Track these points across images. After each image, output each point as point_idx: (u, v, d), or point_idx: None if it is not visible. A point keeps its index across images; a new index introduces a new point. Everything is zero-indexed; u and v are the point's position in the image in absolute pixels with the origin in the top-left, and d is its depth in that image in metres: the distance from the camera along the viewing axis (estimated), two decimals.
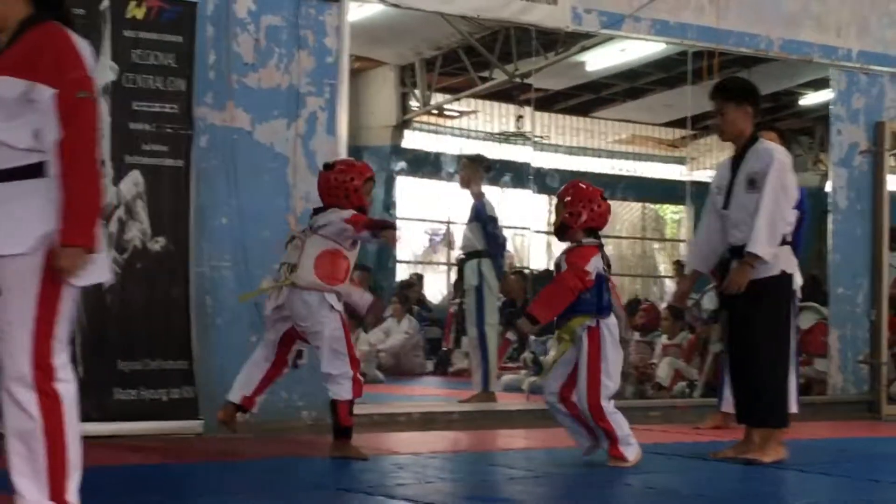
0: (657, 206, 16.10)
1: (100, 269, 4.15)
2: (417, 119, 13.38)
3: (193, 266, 7.72)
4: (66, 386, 4.05)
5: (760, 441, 6.88)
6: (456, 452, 7.71)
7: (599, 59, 11.94)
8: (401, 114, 13.19)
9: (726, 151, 7.48)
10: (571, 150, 14.26)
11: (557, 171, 14.07)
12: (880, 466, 7.34)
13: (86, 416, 6.71)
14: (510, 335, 12.43)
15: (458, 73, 12.76)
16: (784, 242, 6.88)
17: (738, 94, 7.13)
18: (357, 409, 8.27)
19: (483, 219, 10.24)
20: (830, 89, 10.64)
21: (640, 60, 11.83)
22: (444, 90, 13.16)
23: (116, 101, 7.40)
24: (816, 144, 11.05)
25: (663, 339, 11.54)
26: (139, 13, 7.48)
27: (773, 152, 6.91)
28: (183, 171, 7.66)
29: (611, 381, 6.65)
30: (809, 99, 11.97)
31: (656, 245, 15.58)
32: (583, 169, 14.29)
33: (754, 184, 6.83)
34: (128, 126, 7.43)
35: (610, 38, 10.41)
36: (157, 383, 7.47)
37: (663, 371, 10.94)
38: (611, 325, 6.70)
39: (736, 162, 7.03)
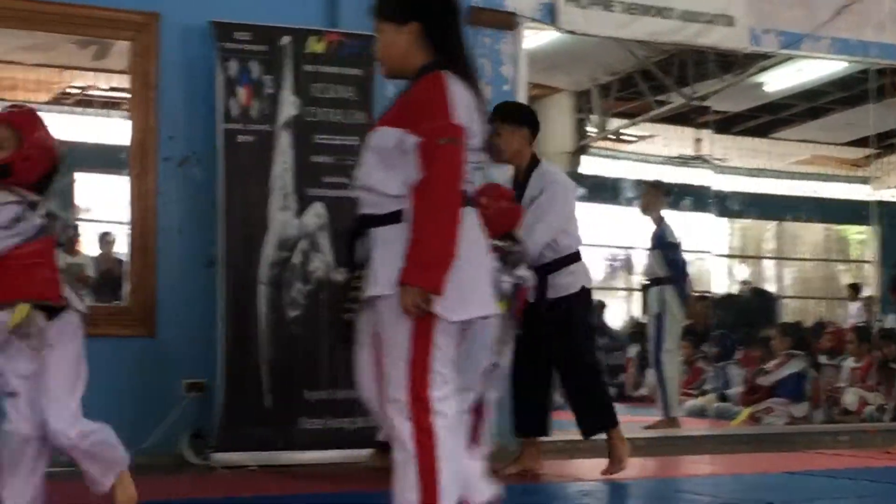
0: (840, 226, 15.72)
1: (479, 304, 4.16)
2: (594, 145, 13.36)
3: None
4: (443, 420, 4.07)
5: None
6: (641, 479, 7.46)
7: (778, 80, 11.78)
8: (577, 140, 13.20)
9: None
10: (752, 173, 14.14)
11: (738, 193, 14.06)
12: None
13: (272, 445, 6.68)
14: (702, 364, 12.33)
15: (635, 97, 12.74)
16: None
17: None
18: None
19: (664, 245, 10.17)
20: None
21: (819, 80, 11.64)
22: (620, 115, 13.19)
23: (298, 134, 7.46)
24: None
25: (850, 362, 11.24)
26: (319, 48, 7.55)
27: None
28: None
29: None
30: None
31: (841, 267, 15.26)
32: (763, 191, 14.29)
33: None
34: (310, 159, 7.48)
35: (789, 59, 10.27)
36: (342, 412, 7.45)
37: (849, 398, 10.73)
38: None
39: None
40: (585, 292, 6.97)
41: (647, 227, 10.46)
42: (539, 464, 7.09)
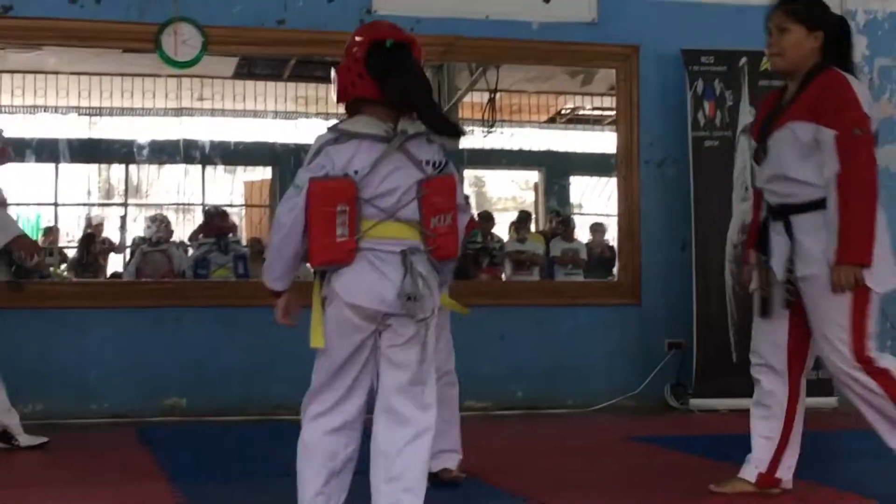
0: None
1: (889, 277, 4.08)
2: None
3: None
4: (892, 361, 4.08)
5: None
6: None
7: None
8: None
9: None
10: None
11: None
12: None
13: (739, 393, 6.47)
14: None
15: None
16: None
17: None
18: None
19: None
20: None
21: None
22: None
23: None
24: None
25: None
26: (769, 65, 7.73)
27: None
28: None
29: None
30: None
31: None
32: None
33: None
34: None
35: None
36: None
37: None
38: None
39: None
40: None
41: None
42: None
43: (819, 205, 4.03)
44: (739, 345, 7.43)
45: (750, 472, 4.37)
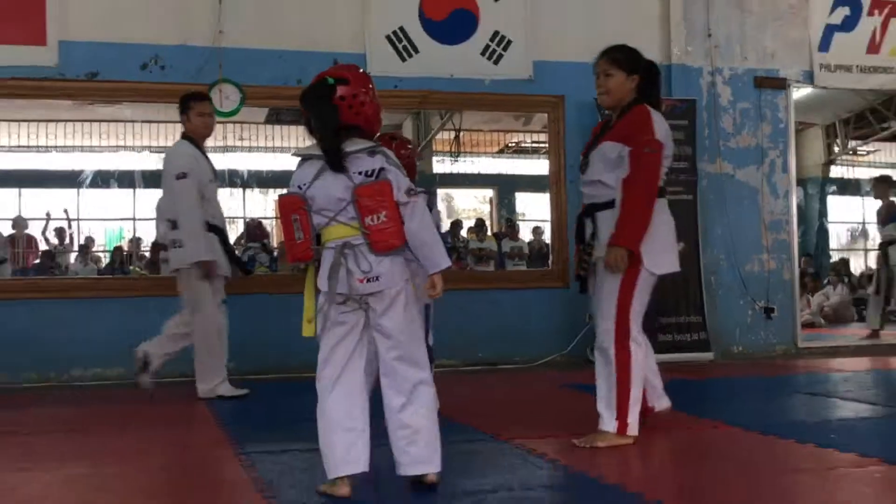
0: None
1: (668, 263, 3.93)
2: (839, 158, 12.94)
3: (701, 258, 7.79)
4: (637, 345, 3.84)
5: None
6: (884, 370, 7.19)
7: None
8: (827, 156, 12.84)
9: None
10: None
11: None
12: None
13: None
14: None
15: (865, 125, 12.25)
16: None
17: None
18: (810, 343, 8.29)
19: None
20: None
21: None
22: (856, 138, 12.70)
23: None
24: None
25: None
26: (662, 107, 7.77)
27: None
28: (692, 202, 7.76)
29: None
30: None
31: None
32: None
33: None
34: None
35: None
36: (683, 330, 7.62)
37: None
38: None
39: None
40: None
41: (875, 207, 9.86)
42: None
43: (615, 204, 3.87)
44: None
45: (609, 423, 3.90)
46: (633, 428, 3.87)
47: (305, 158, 3.15)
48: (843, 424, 4.62)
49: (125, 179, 9.65)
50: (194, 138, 5.59)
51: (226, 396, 5.52)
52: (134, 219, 9.91)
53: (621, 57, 4.02)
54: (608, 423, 3.88)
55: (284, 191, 3.16)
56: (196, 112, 5.51)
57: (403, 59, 7.49)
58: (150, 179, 9.79)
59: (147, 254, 9.57)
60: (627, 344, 3.84)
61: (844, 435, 4.22)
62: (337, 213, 3.07)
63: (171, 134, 9.17)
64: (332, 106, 3.12)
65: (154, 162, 9.71)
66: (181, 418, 5.09)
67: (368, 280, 3.03)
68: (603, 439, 3.88)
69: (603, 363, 3.89)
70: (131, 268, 9.22)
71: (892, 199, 9.75)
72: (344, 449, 3.05)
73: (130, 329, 6.47)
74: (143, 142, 9.44)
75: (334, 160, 3.06)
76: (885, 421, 4.71)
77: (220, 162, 9.49)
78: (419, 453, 3.10)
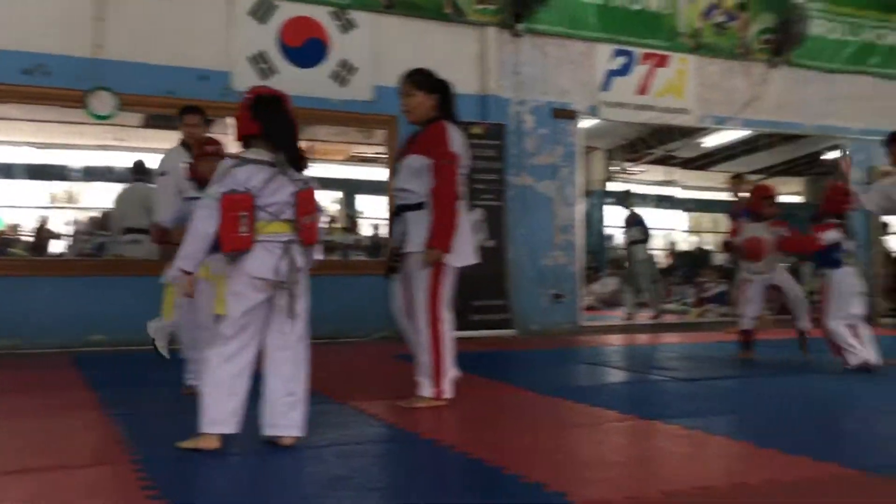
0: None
1: (467, 256, 3.91)
2: (615, 175, 13.32)
3: (507, 254, 7.94)
4: (447, 326, 3.83)
5: None
6: (642, 345, 7.23)
7: (712, 140, 11.58)
8: (607, 173, 13.20)
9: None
10: (696, 188, 13.87)
11: (688, 199, 13.92)
12: None
13: (458, 328, 7.03)
14: (674, 287, 11.93)
15: (636, 150, 12.66)
16: None
17: None
18: (589, 323, 8.38)
19: (641, 223, 9.78)
20: (838, 150, 10.05)
21: (734, 139, 11.35)
22: (628, 160, 13.08)
23: (469, 175, 7.47)
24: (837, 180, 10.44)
25: None
26: (479, 130, 7.80)
27: None
28: (501, 208, 7.92)
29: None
30: (827, 155, 11.01)
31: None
32: (702, 198, 13.98)
33: None
34: (475, 186, 7.61)
35: (718, 129, 10.01)
36: (492, 311, 7.72)
37: None
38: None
39: None
40: None
41: (622, 215, 10.11)
42: None
43: (420, 206, 3.83)
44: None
45: (427, 390, 3.89)
46: (446, 392, 3.89)
47: (246, 163, 3.05)
48: (610, 388, 4.81)
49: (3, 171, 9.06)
50: (189, 144, 5.21)
51: (156, 347, 5.13)
52: (16, 206, 9.28)
53: (421, 79, 3.95)
54: (426, 390, 3.88)
55: (220, 189, 3.01)
56: (184, 123, 5.22)
57: (265, 78, 7.29)
58: (31, 171, 9.29)
59: (28, 238, 8.98)
60: (439, 324, 3.82)
61: (610, 396, 4.40)
62: (280, 213, 3.05)
63: (55, 131, 8.65)
64: (294, 118, 3.13)
65: (36, 156, 9.21)
66: (55, 384, 4.82)
67: (295, 270, 3.06)
68: (421, 402, 3.88)
69: (421, 340, 3.86)
70: (11, 250, 8.60)
71: (633, 209, 10.07)
72: (229, 411, 3.01)
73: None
74: (25, 138, 8.81)
75: (296, 166, 3.08)
76: (639, 385, 4.93)
77: (99, 159, 9.12)
78: (297, 418, 3.09)
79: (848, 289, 5.33)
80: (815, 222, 5.57)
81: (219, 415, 3.00)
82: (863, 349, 5.26)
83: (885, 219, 10.48)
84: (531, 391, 4.43)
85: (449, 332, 3.85)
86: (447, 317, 3.85)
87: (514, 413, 3.89)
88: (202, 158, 4.18)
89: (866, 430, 3.60)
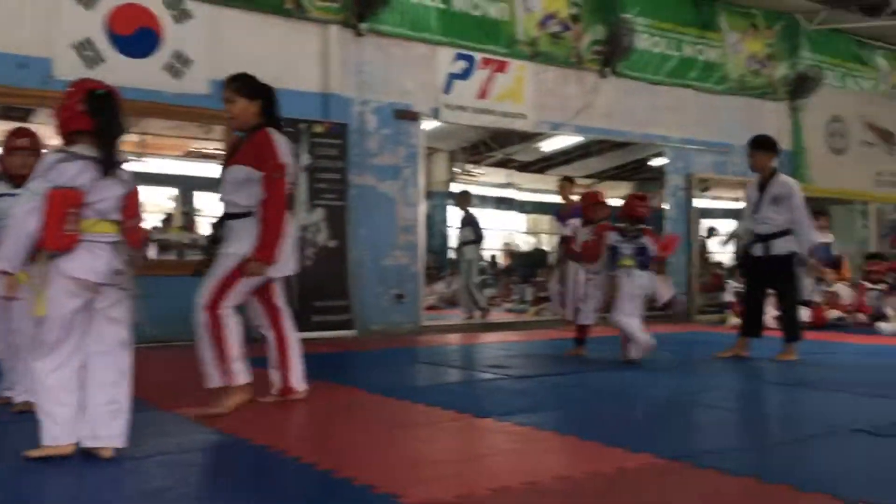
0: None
1: (287, 266, 3.92)
2: (458, 177, 13.42)
3: (349, 254, 7.89)
4: (232, 321, 3.81)
5: None
6: (480, 343, 7.46)
7: (549, 144, 11.89)
8: (449, 175, 13.39)
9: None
10: (534, 191, 14.25)
11: (527, 202, 14.37)
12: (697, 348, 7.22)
13: (299, 329, 6.77)
14: (512, 286, 12.33)
15: (478, 153, 12.94)
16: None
17: (764, 145, 6.08)
18: (430, 323, 8.50)
19: (473, 223, 9.96)
20: (665, 157, 10.58)
21: (569, 144, 11.76)
22: (470, 162, 13.27)
23: (311, 174, 7.61)
24: (659, 186, 11.00)
25: None
26: (319, 129, 7.73)
27: (792, 182, 6.09)
28: (344, 207, 7.86)
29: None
30: (654, 162, 11.65)
31: None
32: (541, 200, 14.27)
33: (778, 200, 5.97)
34: (315, 186, 7.66)
35: (554, 135, 10.37)
36: (333, 311, 7.66)
37: None
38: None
39: (762, 186, 6.07)
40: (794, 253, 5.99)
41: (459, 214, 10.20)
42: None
43: (244, 216, 3.79)
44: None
45: (274, 388, 4.02)
46: (238, 378, 3.83)
47: (74, 158, 2.92)
48: (447, 387, 4.88)
49: None
50: None
51: None
52: None
53: (241, 84, 3.89)
54: (215, 381, 3.83)
55: (43, 184, 2.86)
56: None
57: (90, 67, 6.85)
58: None
59: None
60: (219, 310, 3.80)
61: (446, 395, 4.44)
62: (107, 213, 2.97)
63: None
64: (124, 116, 3.06)
65: None
66: None
67: (119, 272, 2.98)
68: (224, 399, 3.81)
69: (202, 331, 3.81)
70: None
71: (468, 209, 10.16)
72: (66, 419, 2.92)
73: None
74: None
75: (118, 164, 3.00)
76: (474, 383, 5.04)
77: None
78: (119, 428, 2.98)
79: (630, 289, 5.73)
80: (591, 224, 6.27)
81: (56, 426, 2.92)
82: (643, 340, 5.68)
83: (713, 224, 11.30)
84: (368, 392, 4.43)
85: (231, 321, 3.81)
86: (231, 312, 3.83)
87: (350, 415, 3.88)
88: (13, 152, 3.92)
89: (676, 422, 3.84)
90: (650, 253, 5.83)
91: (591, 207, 6.57)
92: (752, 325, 6.24)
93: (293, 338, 4.05)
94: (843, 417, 3.75)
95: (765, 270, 6.17)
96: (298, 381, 4.08)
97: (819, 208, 9.92)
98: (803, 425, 3.69)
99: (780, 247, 6.10)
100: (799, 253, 6.13)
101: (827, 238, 10.19)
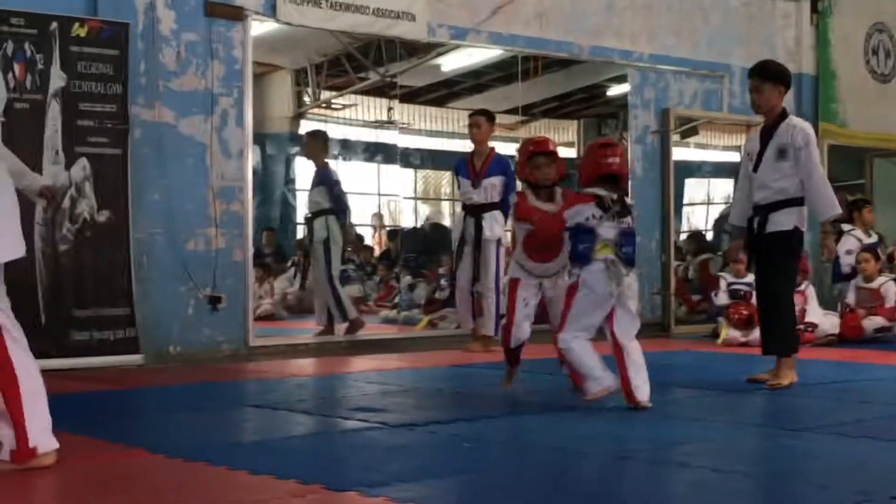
0: None
1: (11, 248, 4.05)
2: (310, 111, 13.35)
3: (132, 233, 7.83)
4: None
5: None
6: (344, 373, 7.71)
7: (451, 62, 12.02)
8: (296, 107, 13.10)
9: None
10: (431, 133, 14.15)
11: (419, 150, 14.23)
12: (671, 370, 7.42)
13: (46, 354, 6.28)
14: (394, 283, 12.46)
15: (341, 74, 12.73)
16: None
17: (774, 75, 6.55)
18: (265, 341, 8.67)
19: (329, 183, 9.99)
20: (628, 83, 10.82)
21: (482, 62, 11.91)
22: (330, 88, 13.17)
23: (66, 103, 7.59)
24: (620, 126, 11.24)
25: None
26: (82, 32, 7.65)
27: (807, 128, 6.48)
28: (121, 158, 7.80)
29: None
30: (613, 91, 11.94)
31: None
32: (440, 148, 14.27)
33: (784, 154, 6.34)
34: (76, 123, 7.61)
35: (458, 46, 10.53)
36: (105, 326, 7.64)
37: None
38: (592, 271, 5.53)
39: (766, 134, 6.48)
40: (799, 231, 6.41)
41: (310, 169, 10.29)
42: None
43: None
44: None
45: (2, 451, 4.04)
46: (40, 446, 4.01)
47: None
48: (287, 443, 4.87)
49: None
50: None
51: None
52: None
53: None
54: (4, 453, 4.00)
55: None
56: None
57: None
58: None
59: None
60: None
61: (285, 456, 4.45)
62: None
63: None
64: None
65: None
66: None
67: None
68: None
69: None
70: None
71: (325, 159, 10.21)
72: None
73: None
74: None
75: None
76: (331, 436, 5.08)
77: None
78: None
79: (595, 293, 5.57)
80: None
81: None
82: (604, 371, 5.55)
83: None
84: (160, 454, 4.40)
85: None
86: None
87: (132, 489, 3.86)
88: None
89: (631, 494, 3.91)
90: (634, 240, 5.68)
91: (531, 163, 6.09)
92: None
93: (28, 374, 4.02)
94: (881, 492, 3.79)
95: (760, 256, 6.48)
96: (42, 437, 4.05)
97: (860, 194, 10.37)
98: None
99: (779, 221, 6.35)
100: (801, 229, 6.41)
101: (870, 239, 10.65)
